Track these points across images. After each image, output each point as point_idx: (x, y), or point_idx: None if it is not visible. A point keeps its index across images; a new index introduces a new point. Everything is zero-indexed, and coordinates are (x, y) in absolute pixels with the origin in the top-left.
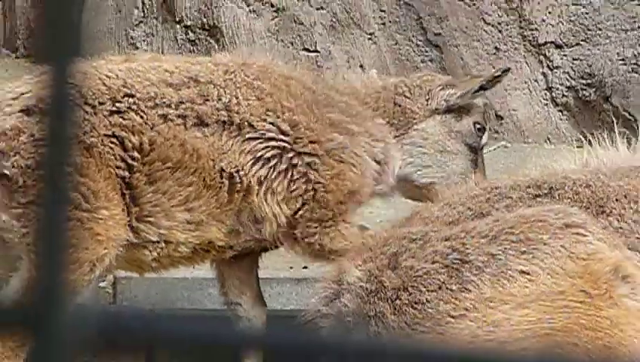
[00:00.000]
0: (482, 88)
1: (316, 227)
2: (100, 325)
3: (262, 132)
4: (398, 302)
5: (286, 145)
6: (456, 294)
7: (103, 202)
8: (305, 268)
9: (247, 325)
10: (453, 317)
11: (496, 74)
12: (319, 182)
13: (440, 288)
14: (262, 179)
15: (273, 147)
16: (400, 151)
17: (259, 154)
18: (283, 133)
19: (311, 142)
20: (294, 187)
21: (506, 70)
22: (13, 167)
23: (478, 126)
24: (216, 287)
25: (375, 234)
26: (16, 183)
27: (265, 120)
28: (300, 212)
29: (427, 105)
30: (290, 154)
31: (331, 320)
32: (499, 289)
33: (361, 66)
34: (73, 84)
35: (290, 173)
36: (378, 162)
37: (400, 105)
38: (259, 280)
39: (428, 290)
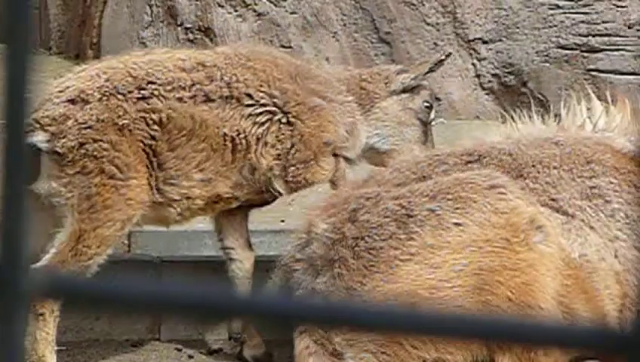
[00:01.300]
0: (430, 70)
1: (301, 167)
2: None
3: (257, 99)
4: (356, 248)
5: (277, 108)
6: (404, 242)
7: (133, 173)
8: (282, 221)
9: (239, 266)
10: (401, 260)
11: (441, 58)
12: (303, 131)
13: (390, 237)
14: (258, 137)
15: (267, 111)
16: (365, 126)
17: (255, 118)
18: (275, 97)
19: (297, 103)
20: (282, 137)
21: (448, 54)
22: (62, 146)
23: (426, 104)
24: (212, 238)
25: (337, 193)
26: (65, 158)
27: (259, 90)
28: (289, 155)
29: (386, 87)
30: (280, 115)
31: (303, 264)
32: (438, 238)
33: (326, 59)
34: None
35: (279, 128)
36: (346, 131)
37: (365, 89)
38: (248, 231)
39: (381, 239)
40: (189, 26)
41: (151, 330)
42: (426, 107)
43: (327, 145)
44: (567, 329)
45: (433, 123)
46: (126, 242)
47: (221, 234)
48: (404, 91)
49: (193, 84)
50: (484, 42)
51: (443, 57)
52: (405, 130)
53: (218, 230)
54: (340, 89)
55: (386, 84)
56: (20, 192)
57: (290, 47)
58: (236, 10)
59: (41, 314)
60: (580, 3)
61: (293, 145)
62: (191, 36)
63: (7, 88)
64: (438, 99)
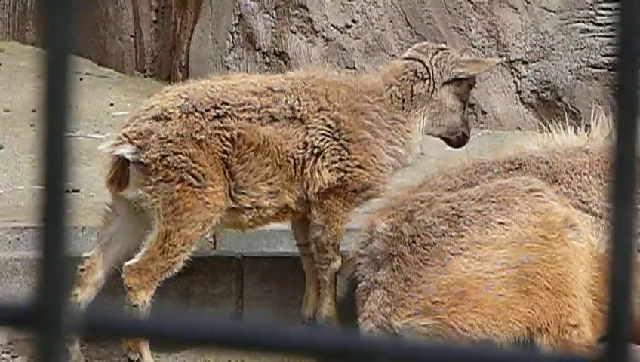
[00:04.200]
0: (485, 71)
1: (330, 211)
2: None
3: (315, 124)
4: (413, 244)
5: (330, 134)
6: (455, 239)
7: (209, 181)
8: (349, 221)
9: (309, 261)
10: (452, 254)
11: (497, 62)
12: (349, 164)
13: (443, 235)
14: (315, 156)
15: (323, 134)
16: (422, 123)
17: (313, 139)
18: (329, 126)
19: (347, 132)
20: (335, 163)
21: (500, 62)
22: (146, 157)
23: (471, 87)
24: (287, 236)
25: (396, 197)
26: (149, 168)
27: (317, 116)
28: (338, 183)
29: (442, 79)
30: (333, 141)
31: (366, 259)
32: (484, 235)
33: None
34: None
35: (332, 153)
36: (397, 154)
37: (418, 93)
38: None
39: (434, 236)
40: (265, 50)
41: (234, 317)
42: (470, 88)
43: (365, 188)
44: (533, 357)
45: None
46: (212, 241)
47: (295, 233)
48: (454, 80)
49: (262, 107)
50: (524, 63)
51: (497, 62)
52: (453, 116)
53: (293, 230)
54: (389, 109)
55: (441, 75)
56: (59, 225)
57: (354, 68)
58: (307, 37)
59: (135, 306)
60: (607, 27)
61: (339, 179)
62: (267, 59)
63: (45, 94)
64: (484, 113)
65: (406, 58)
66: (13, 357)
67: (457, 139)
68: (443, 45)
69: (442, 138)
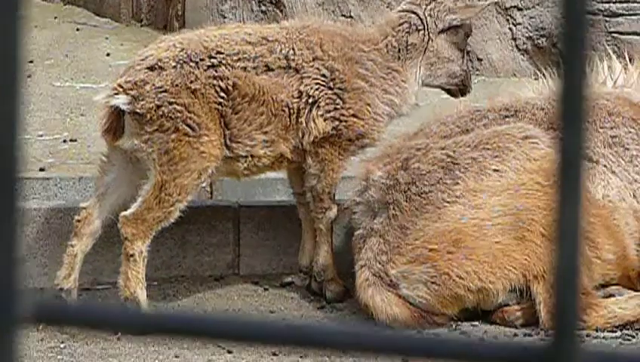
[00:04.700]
0: (476, 15)
1: (326, 160)
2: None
3: (309, 73)
4: (408, 192)
5: (325, 83)
6: (450, 186)
7: (204, 130)
8: (345, 170)
9: (305, 210)
10: (448, 202)
11: (486, 4)
12: (344, 113)
13: (438, 182)
14: (309, 105)
15: (317, 83)
16: (418, 73)
17: (307, 88)
18: (324, 75)
19: (342, 82)
20: (330, 112)
21: (490, 3)
22: (141, 107)
23: (467, 35)
24: (284, 185)
25: (391, 144)
26: (144, 118)
27: (312, 65)
28: (333, 132)
29: (436, 28)
30: (328, 90)
31: (362, 207)
32: (479, 182)
33: None
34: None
35: (326, 102)
36: (392, 103)
37: (413, 43)
38: None
39: (430, 184)
40: None
41: (231, 266)
42: (466, 36)
43: (359, 137)
44: (487, 344)
45: (474, 81)
46: (208, 190)
47: (291, 182)
48: (449, 28)
49: (256, 56)
50: (519, 9)
51: (487, 4)
52: (451, 65)
53: (289, 178)
54: (385, 59)
55: (436, 24)
56: (10, 211)
57: (350, 16)
58: None
59: (131, 256)
60: None
61: (334, 127)
62: (263, 8)
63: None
64: (479, 60)
65: (401, 10)
66: None
67: (458, 89)
68: None
69: (442, 88)
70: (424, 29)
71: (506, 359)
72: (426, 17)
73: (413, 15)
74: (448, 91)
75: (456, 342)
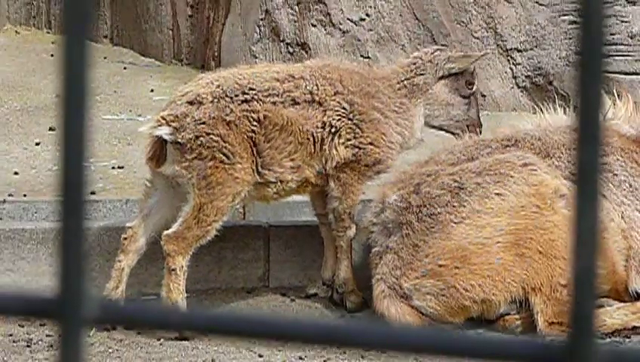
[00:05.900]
0: (473, 63)
1: (346, 184)
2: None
3: (331, 106)
4: (420, 214)
5: (345, 115)
6: (457, 208)
7: (238, 158)
8: (362, 193)
9: (326, 229)
10: (455, 222)
11: (481, 55)
12: (362, 141)
13: (446, 205)
14: (332, 135)
15: (338, 115)
16: (421, 111)
17: (330, 119)
18: (344, 108)
19: (360, 113)
20: (350, 140)
21: (485, 53)
22: (182, 138)
23: (469, 85)
24: (308, 207)
25: (405, 171)
26: (185, 147)
27: (334, 99)
28: (353, 158)
29: (435, 74)
30: (348, 121)
31: (378, 227)
32: (483, 205)
33: None
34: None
35: (347, 131)
36: (403, 134)
37: (416, 85)
38: None
39: (439, 206)
40: (289, 41)
41: (261, 279)
42: (468, 84)
43: (376, 163)
44: (505, 341)
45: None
46: (241, 211)
47: (314, 205)
48: (449, 75)
49: (284, 92)
50: (519, 51)
51: (482, 55)
52: (450, 109)
53: (312, 201)
54: (397, 95)
55: (436, 71)
56: (79, 227)
57: (368, 57)
58: (326, 29)
59: (173, 270)
60: None
61: (354, 154)
62: (290, 50)
63: (64, 79)
64: (483, 95)
65: (413, 56)
66: (29, 349)
67: (462, 132)
68: (442, 47)
69: (442, 129)
70: (426, 73)
71: (528, 356)
72: (427, 63)
73: (419, 60)
74: (449, 132)
75: (478, 339)
